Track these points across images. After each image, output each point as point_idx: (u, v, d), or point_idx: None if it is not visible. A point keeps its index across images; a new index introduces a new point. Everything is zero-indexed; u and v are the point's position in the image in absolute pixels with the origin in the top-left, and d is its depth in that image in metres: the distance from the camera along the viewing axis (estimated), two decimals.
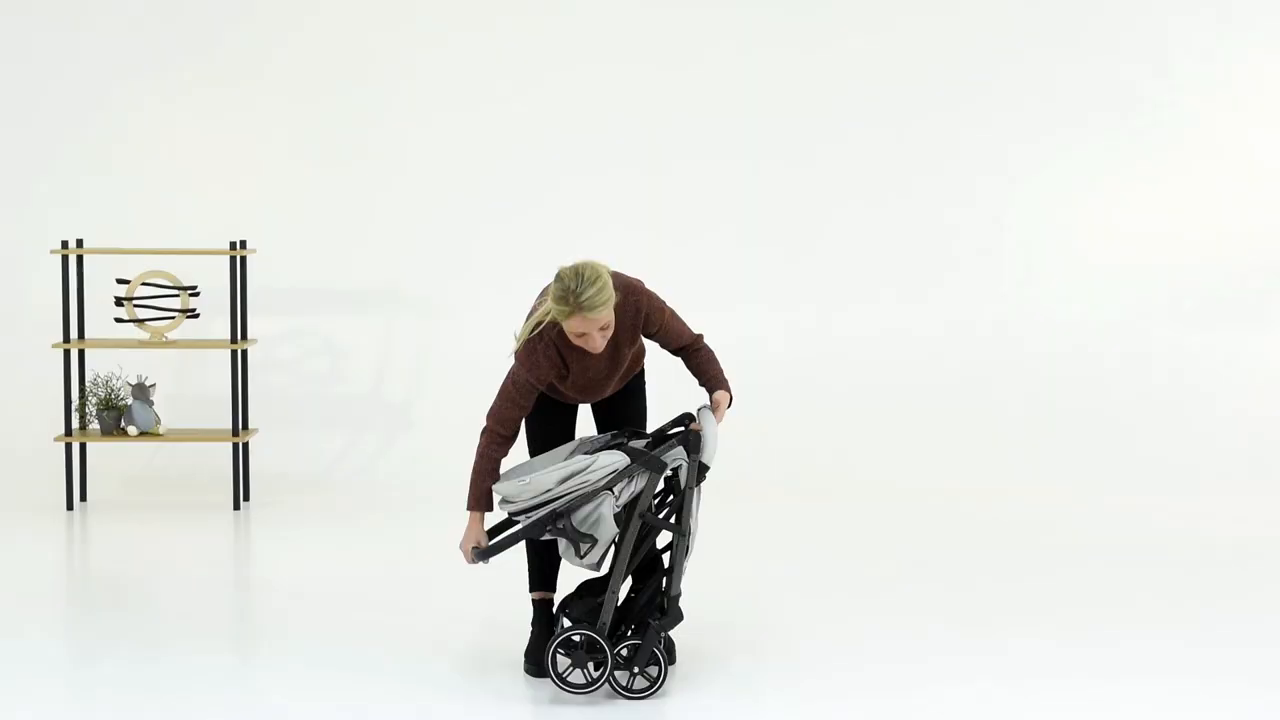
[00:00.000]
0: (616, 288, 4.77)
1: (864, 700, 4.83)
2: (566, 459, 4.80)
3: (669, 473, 4.83)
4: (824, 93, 8.85)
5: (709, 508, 6.55)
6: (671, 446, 4.79)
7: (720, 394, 4.95)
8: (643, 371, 5.21)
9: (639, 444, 4.86)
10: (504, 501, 4.80)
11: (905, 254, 8.83)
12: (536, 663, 4.99)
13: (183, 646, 5.36)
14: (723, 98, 8.84)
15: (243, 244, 7.73)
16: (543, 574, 5.11)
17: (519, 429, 4.90)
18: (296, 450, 8.48)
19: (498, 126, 8.84)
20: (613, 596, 4.76)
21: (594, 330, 4.72)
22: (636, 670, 4.76)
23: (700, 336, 5.06)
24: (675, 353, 5.08)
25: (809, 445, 8.46)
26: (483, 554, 4.76)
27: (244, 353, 7.84)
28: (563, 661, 4.84)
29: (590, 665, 4.76)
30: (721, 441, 5.03)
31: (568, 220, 8.77)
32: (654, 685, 4.78)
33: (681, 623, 4.90)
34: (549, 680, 4.83)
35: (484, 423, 4.85)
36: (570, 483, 4.70)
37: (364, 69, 8.88)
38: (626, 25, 8.87)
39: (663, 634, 4.82)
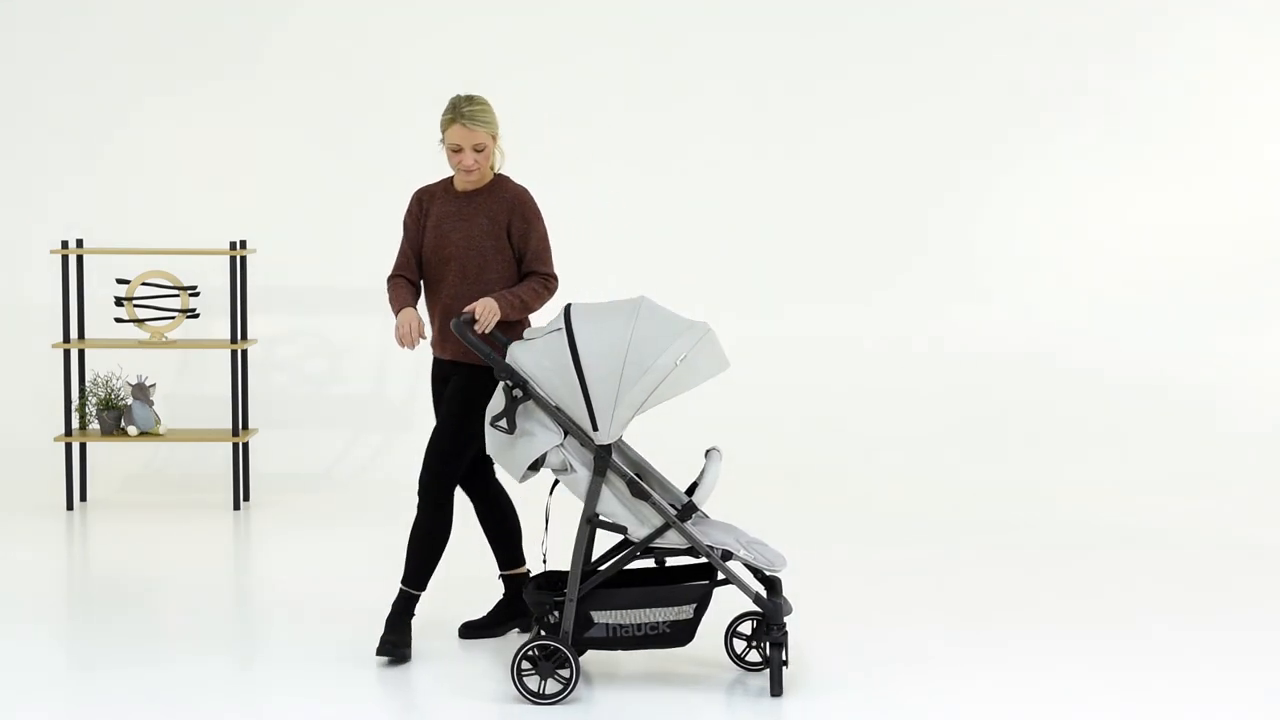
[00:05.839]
0: (513, 186, 5.22)
1: (864, 702, 4.84)
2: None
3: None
4: (820, 88, 8.86)
5: (715, 508, 6.56)
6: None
7: (485, 301, 5.01)
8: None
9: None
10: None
11: (904, 255, 8.84)
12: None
13: (183, 647, 5.37)
14: (718, 98, 8.84)
15: (243, 244, 7.74)
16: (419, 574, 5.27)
17: (408, 272, 5.27)
18: (296, 450, 8.49)
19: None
20: (571, 604, 4.75)
21: (469, 146, 5.13)
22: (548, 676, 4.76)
23: (553, 276, 5.20)
24: (521, 278, 5.22)
25: (809, 445, 8.47)
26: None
27: (244, 353, 7.84)
28: (531, 678, 4.77)
29: (558, 672, 4.74)
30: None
31: (566, 219, 8.73)
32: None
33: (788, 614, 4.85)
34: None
35: None
36: (551, 376, 4.78)
37: (364, 68, 8.88)
38: (628, 26, 8.88)
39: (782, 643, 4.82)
